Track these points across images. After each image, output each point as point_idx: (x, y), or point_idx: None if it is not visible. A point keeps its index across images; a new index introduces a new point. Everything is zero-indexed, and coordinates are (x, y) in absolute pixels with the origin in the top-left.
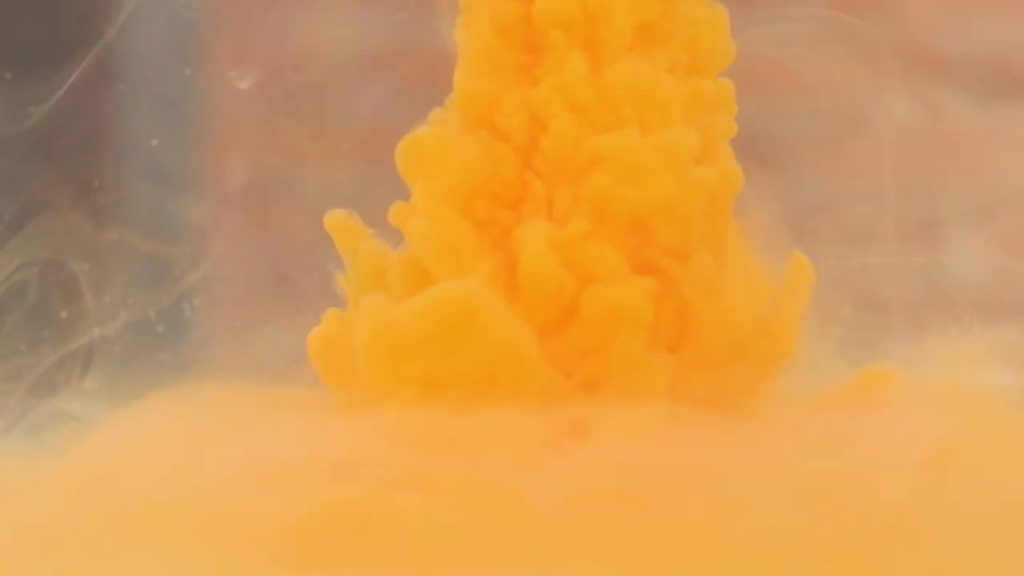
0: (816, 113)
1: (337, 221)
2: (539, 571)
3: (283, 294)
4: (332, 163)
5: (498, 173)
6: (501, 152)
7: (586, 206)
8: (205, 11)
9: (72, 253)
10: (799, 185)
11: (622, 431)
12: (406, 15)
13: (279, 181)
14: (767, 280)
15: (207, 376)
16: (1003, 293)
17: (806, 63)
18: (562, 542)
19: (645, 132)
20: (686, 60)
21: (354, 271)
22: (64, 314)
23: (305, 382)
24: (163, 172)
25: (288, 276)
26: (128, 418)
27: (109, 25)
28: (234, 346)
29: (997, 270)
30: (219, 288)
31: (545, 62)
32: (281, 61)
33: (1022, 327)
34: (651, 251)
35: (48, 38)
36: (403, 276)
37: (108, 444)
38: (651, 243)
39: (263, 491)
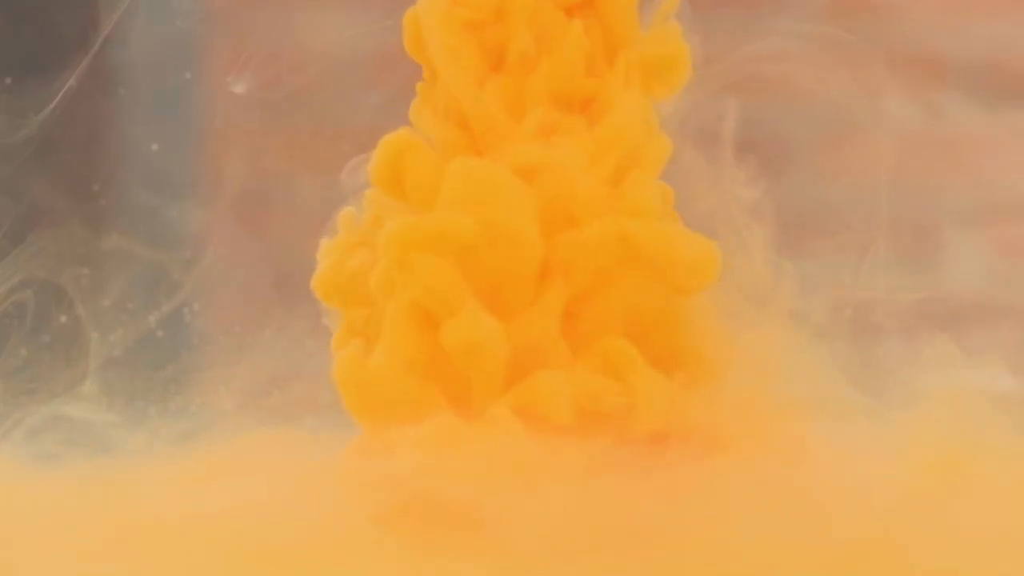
0: (817, 118)
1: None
2: None
3: (282, 298)
4: (331, 167)
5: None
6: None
7: None
8: (204, 15)
9: (71, 258)
10: (799, 189)
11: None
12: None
13: (278, 185)
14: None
15: (206, 380)
16: (1002, 296)
17: (805, 75)
18: (549, 562)
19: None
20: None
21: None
22: (64, 319)
23: (304, 384)
24: (163, 177)
25: (287, 280)
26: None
27: (107, 30)
28: (233, 350)
29: (996, 273)
30: (218, 293)
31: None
32: (279, 65)
33: (1021, 330)
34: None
35: (46, 44)
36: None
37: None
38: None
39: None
